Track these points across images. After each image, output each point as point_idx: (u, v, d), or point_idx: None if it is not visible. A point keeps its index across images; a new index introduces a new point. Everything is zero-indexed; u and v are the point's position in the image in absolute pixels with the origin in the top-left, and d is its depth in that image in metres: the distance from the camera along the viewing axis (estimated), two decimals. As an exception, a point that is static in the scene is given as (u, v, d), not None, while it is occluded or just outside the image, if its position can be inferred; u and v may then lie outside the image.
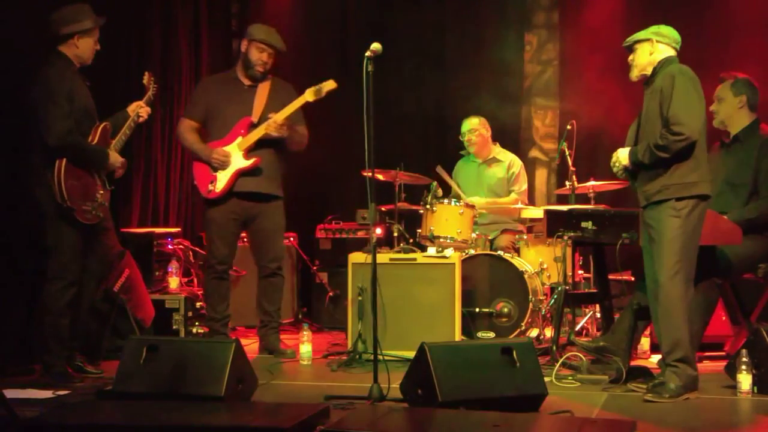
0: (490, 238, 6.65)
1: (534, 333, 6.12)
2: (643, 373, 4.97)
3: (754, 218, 5.20)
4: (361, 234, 7.27)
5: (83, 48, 5.12)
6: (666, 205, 4.56)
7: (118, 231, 5.91)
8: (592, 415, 4.22)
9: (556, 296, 5.85)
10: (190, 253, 6.94)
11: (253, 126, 5.82)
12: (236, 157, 5.81)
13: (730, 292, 5.50)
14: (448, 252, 5.78)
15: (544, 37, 8.09)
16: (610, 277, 5.72)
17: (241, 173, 5.80)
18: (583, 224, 5.21)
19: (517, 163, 6.97)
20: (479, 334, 5.99)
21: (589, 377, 4.95)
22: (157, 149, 7.37)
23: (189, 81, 7.52)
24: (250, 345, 6.00)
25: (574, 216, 5.29)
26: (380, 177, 6.43)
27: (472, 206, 6.27)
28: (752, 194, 5.31)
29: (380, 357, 4.51)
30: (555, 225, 5.40)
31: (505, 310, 6.05)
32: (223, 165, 5.80)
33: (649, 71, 4.74)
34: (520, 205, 6.65)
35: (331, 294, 7.20)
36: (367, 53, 4.59)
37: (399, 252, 5.94)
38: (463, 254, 6.04)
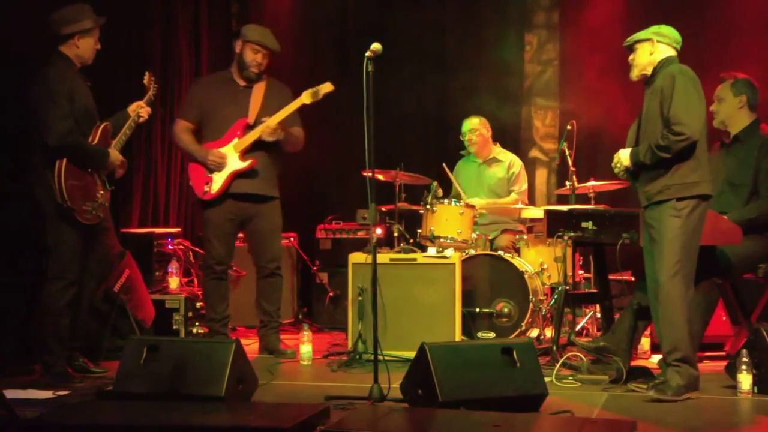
0: (490, 238, 6.65)
1: (534, 333, 6.12)
2: (644, 373, 4.97)
3: (754, 218, 5.20)
4: (361, 234, 7.27)
5: (84, 48, 5.12)
6: (667, 205, 4.56)
7: (118, 231, 5.92)
8: (592, 415, 4.22)
9: (556, 296, 5.85)
10: (190, 253, 6.94)
11: (249, 127, 5.81)
12: (232, 158, 5.80)
13: (731, 292, 5.50)
14: (449, 252, 5.77)
15: (544, 37, 8.09)
16: (611, 277, 5.72)
17: (237, 175, 5.80)
18: (584, 224, 5.21)
19: (517, 163, 6.98)
20: (479, 335, 5.99)
21: (589, 377, 4.95)
22: (158, 149, 7.38)
23: (189, 81, 7.51)
24: (251, 345, 6.00)
25: (575, 216, 5.29)
26: (380, 177, 6.43)
27: (473, 206, 6.27)
28: (752, 194, 5.31)
29: (380, 357, 4.51)
30: (555, 225, 5.40)
31: (506, 310, 6.05)
32: (219, 167, 5.79)
33: (649, 71, 4.74)
34: (520, 206, 6.65)
35: (331, 294, 7.20)
36: (367, 53, 4.58)
37: (399, 252, 5.94)
38: (464, 254, 6.04)
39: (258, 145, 5.80)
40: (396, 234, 6.37)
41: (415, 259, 5.80)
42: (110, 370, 5.02)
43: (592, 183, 6.25)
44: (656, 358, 5.16)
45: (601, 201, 6.27)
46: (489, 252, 6.30)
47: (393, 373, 4.50)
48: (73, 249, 5.05)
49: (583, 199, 6.32)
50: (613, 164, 4.83)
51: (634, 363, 5.25)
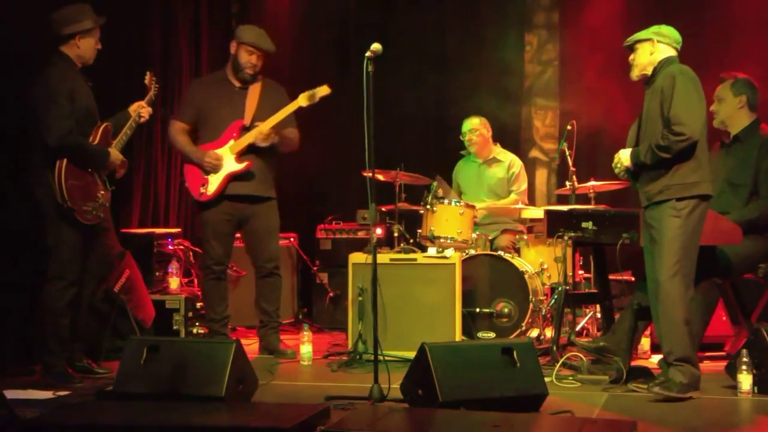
0: (490, 238, 6.65)
1: (534, 333, 6.12)
2: (644, 373, 4.97)
3: (754, 219, 5.20)
4: (361, 234, 7.27)
5: (84, 48, 5.12)
6: (667, 205, 4.56)
7: (118, 231, 5.92)
8: (592, 415, 4.22)
9: (556, 296, 5.85)
10: (191, 253, 6.94)
11: (245, 129, 5.80)
12: (228, 160, 5.79)
13: (731, 292, 5.50)
14: (449, 252, 5.77)
15: (544, 37, 8.09)
16: (611, 277, 5.72)
17: (233, 177, 5.79)
18: (584, 224, 5.21)
19: (517, 163, 6.98)
20: (480, 335, 5.99)
21: (589, 377, 4.95)
22: (158, 149, 7.38)
23: (189, 81, 7.50)
24: (251, 345, 6.00)
25: (575, 216, 5.29)
26: (380, 177, 6.42)
27: (473, 206, 6.27)
28: (752, 194, 5.31)
29: (380, 357, 4.51)
30: (555, 225, 5.40)
31: (506, 310, 6.05)
32: (215, 169, 5.78)
33: (649, 71, 4.74)
34: (520, 206, 6.65)
35: (331, 294, 7.20)
36: (368, 53, 4.58)
37: (399, 252, 5.94)
38: (464, 254, 6.04)
39: (254, 147, 5.79)
40: (396, 234, 6.37)
41: (415, 260, 5.79)
42: (111, 370, 5.01)
43: (592, 183, 6.25)
44: (656, 358, 5.16)
45: (601, 201, 6.27)
46: (489, 252, 6.30)
47: (393, 374, 4.50)
48: (73, 249, 5.05)
49: (583, 199, 6.32)
50: (613, 164, 4.83)
51: (634, 363, 5.25)
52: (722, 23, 7.06)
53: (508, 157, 6.98)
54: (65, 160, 4.93)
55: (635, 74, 4.80)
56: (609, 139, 7.02)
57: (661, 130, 4.56)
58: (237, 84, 5.92)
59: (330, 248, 7.34)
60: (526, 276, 6.06)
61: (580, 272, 6.46)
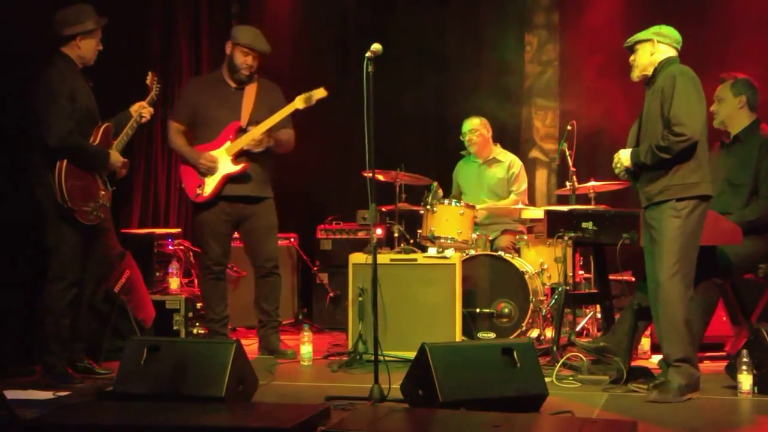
0: (490, 238, 6.65)
1: (534, 333, 6.12)
2: (644, 374, 4.97)
3: (754, 219, 5.21)
4: (361, 234, 7.27)
5: (86, 49, 5.12)
6: (667, 205, 4.56)
7: (118, 231, 5.92)
8: (592, 415, 4.22)
9: (556, 297, 5.85)
10: (191, 253, 6.94)
11: (242, 131, 5.80)
12: (224, 162, 5.79)
13: (731, 292, 5.50)
14: (449, 252, 5.77)
15: (544, 37, 8.09)
16: (611, 277, 5.72)
17: (230, 178, 5.79)
18: (584, 225, 5.21)
19: (517, 164, 6.98)
20: (480, 335, 5.99)
21: (589, 378, 4.95)
22: (158, 149, 7.38)
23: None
24: (251, 345, 6.00)
25: (575, 216, 5.29)
26: (381, 177, 6.42)
27: (473, 207, 6.27)
28: (752, 194, 5.31)
29: (381, 357, 4.51)
30: (555, 225, 5.40)
31: (506, 310, 6.05)
32: (211, 170, 5.78)
33: (650, 71, 4.74)
34: (520, 206, 6.65)
35: (331, 294, 7.20)
36: (368, 54, 4.58)
37: (399, 252, 5.94)
38: (464, 255, 6.04)
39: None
40: (396, 234, 6.37)
41: (415, 260, 5.79)
42: (112, 370, 5.01)
43: (592, 183, 6.26)
44: (656, 359, 5.16)
45: (601, 201, 6.27)
46: (489, 252, 6.30)
47: (393, 374, 4.50)
48: (73, 249, 5.05)
49: (584, 199, 6.32)
50: (613, 164, 4.83)
51: (634, 363, 5.25)
52: (722, 23, 7.06)
53: (508, 158, 6.99)
54: (65, 161, 4.92)
55: (636, 75, 4.80)
56: (609, 139, 7.02)
57: (662, 131, 4.56)
58: (233, 85, 5.91)
59: (330, 248, 7.34)
60: (526, 276, 6.06)
61: (581, 272, 6.46)
